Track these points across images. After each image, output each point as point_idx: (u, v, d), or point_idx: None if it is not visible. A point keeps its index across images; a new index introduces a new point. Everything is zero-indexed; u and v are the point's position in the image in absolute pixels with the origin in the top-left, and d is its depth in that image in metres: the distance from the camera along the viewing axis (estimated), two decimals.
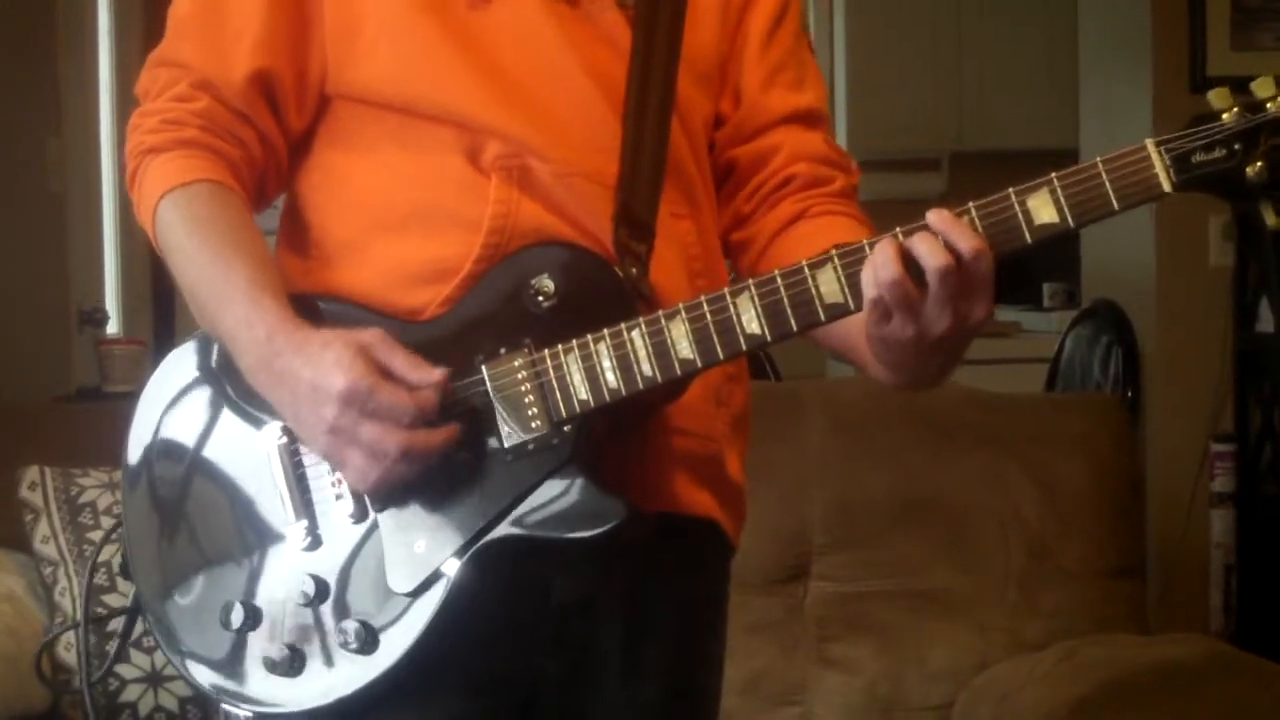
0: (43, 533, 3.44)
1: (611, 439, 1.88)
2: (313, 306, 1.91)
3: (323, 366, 1.80)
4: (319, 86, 1.98)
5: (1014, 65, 7.79)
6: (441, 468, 1.84)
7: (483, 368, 1.85)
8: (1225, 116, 1.71)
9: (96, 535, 3.41)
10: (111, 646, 3.28)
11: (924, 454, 3.69)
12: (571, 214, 1.92)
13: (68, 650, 3.37)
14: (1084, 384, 5.67)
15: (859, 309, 1.78)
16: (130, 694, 3.33)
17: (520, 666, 1.96)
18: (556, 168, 1.91)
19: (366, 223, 1.95)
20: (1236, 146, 1.70)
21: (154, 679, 3.32)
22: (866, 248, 1.76)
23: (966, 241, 1.73)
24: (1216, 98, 1.72)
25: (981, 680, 3.46)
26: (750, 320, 1.80)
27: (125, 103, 6.01)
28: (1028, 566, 3.62)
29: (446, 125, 1.92)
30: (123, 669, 3.33)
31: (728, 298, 1.81)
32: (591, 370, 1.83)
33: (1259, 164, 1.70)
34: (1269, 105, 1.70)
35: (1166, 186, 1.71)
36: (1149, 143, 1.71)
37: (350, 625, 1.86)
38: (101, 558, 3.21)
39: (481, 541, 1.84)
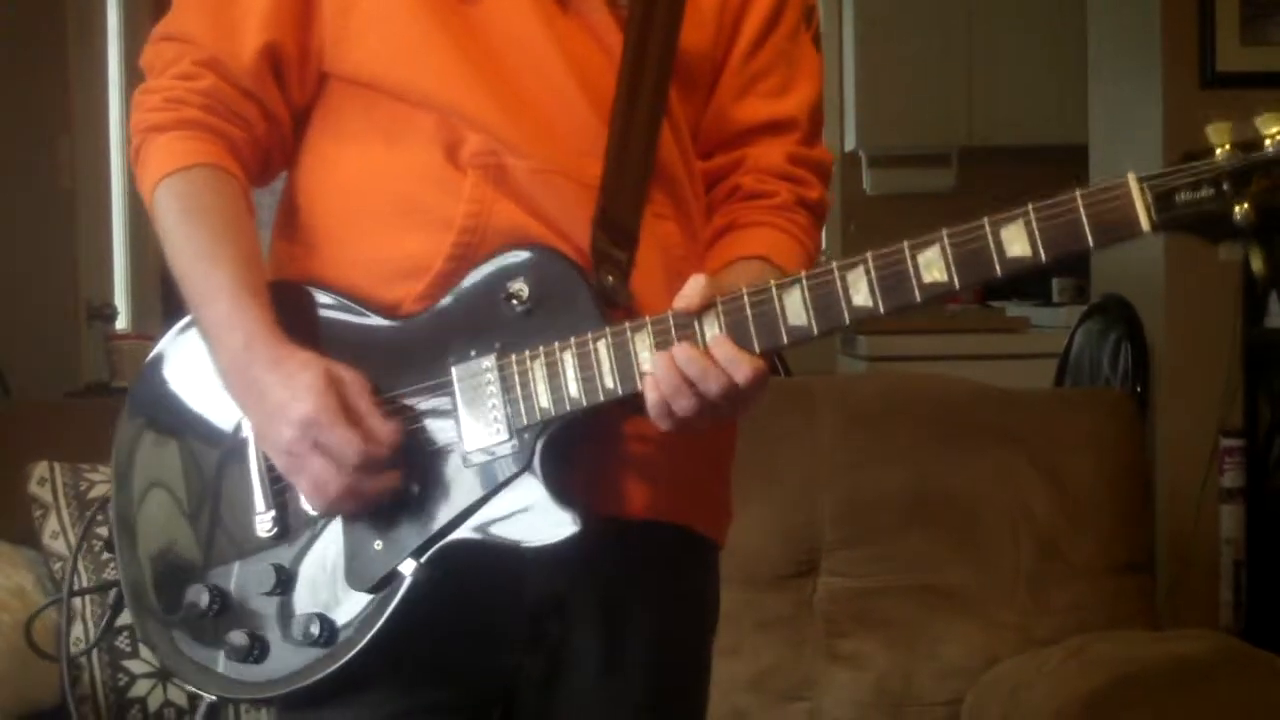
0: (52, 528, 3.44)
1: (574, 447, 1.87)
2: (295, 294, 1.94)
3: (293, 388, 1.82)
4: (319, 62, 1.99)
5: (1023, 61, 7.79)
6: (404, 469, 1.85)
7: (452, 369, 1.86)
8: (1218, 153, 1.61)
9: (106, 531, 3.41)
10: (103, 634, 3.28)
11: (934, 450, 3.69)
12: (548, 214, 1.91)
13: (75, 644, 3.37)
14: (1093, 379, 5.67)
15: (823, 333, 1.76)
16: (140, 689, 3.33)
17: (494, 665, 1.97)
18: (533, 164, 1.90)
19: (348, 213, 1.96)
20: (1225, 186, 1.61)
21: (163, 674, 3.32)
22: (835, 271, 1.74)
23: (743, 372, 1.76)
24: (1214, 133, 1.62)
25: (991, 676, 3.46)
26: (713, 337, 1.78)
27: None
28: (1037, 562, 3.62)
29: (428, 112, 1.92)
30: (132, 664, 3.33)
31: (693, 314, 1.80)
32: (555, 379, 1.82)
33: (1246, 205, 1.60)
34: (1267, 143, 1.60)
35: (1145, 226, 1.62)
36: (1131, 177, 1.63)
37: (310, 617, 1.88)
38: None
39: (437, 545, 1.85)
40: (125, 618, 3.31)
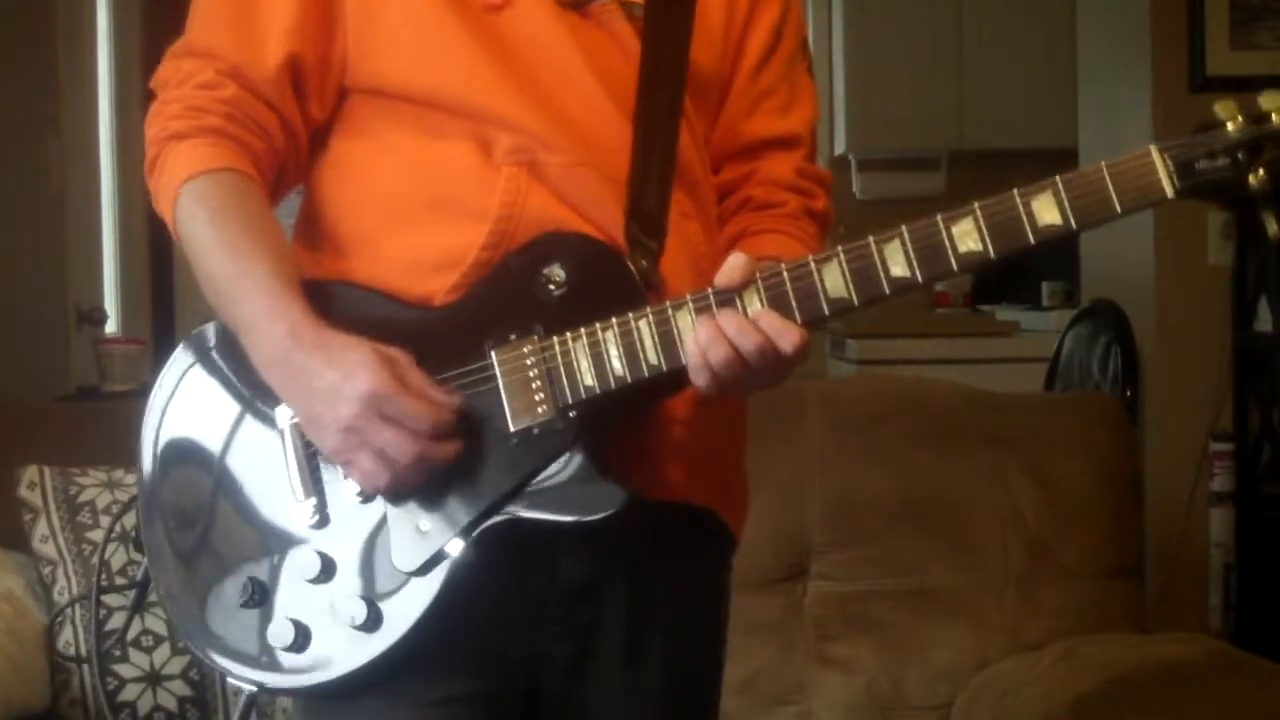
0: (41, 532, 3.44)
1: (616, 427, 1.91)
2: (324, 291, 1.95)
3: (346, 367, 1.83)
4: (340, 76, 2.01)
5: (1013, 65, 7.79)
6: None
7: (492, 353, 1.89)
8: (1229, 127, 1.74)
9: (95, 534, 3.41)
10: (111, 643, 3.29)
11: (923, 453, 3.69)
12: (580, 205, 1.95)
13: (68, 646, 3.37)
14: (1083, 383, 5.67)
15: (864, 304, 1.83)
16: (129, 693, 3.33)
17: (525, 649, 2.01)
18: (566, 159, 1.94)
19: (379, 214, 1.99)
20: (1240, 155, 1.74)
21: (153, 679, 3.32)
22: (873, 244, 1.82)
23: (788, 340, 1.82)
24: (1222, 109, 1.76)
25: (981, 679, 3.47)
26: (755, 311, 1.83)
27: (124, 102, 6.02)
28: (1027, 565, 3.62)
29: (461, 117, 1.95)
30: (122, 668, 3.33)
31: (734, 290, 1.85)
32: (599, 357, 1.86)
33: (1261, 172, 1.73)
34: (1274, 117, 1.74)
35: (1169, 192, 1.75)
36: (1153, 148, 1.76)
37: (355, 602, 1.90)
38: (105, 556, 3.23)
39: (485, 523, 1.88)
40: (115, 622, 3.33)
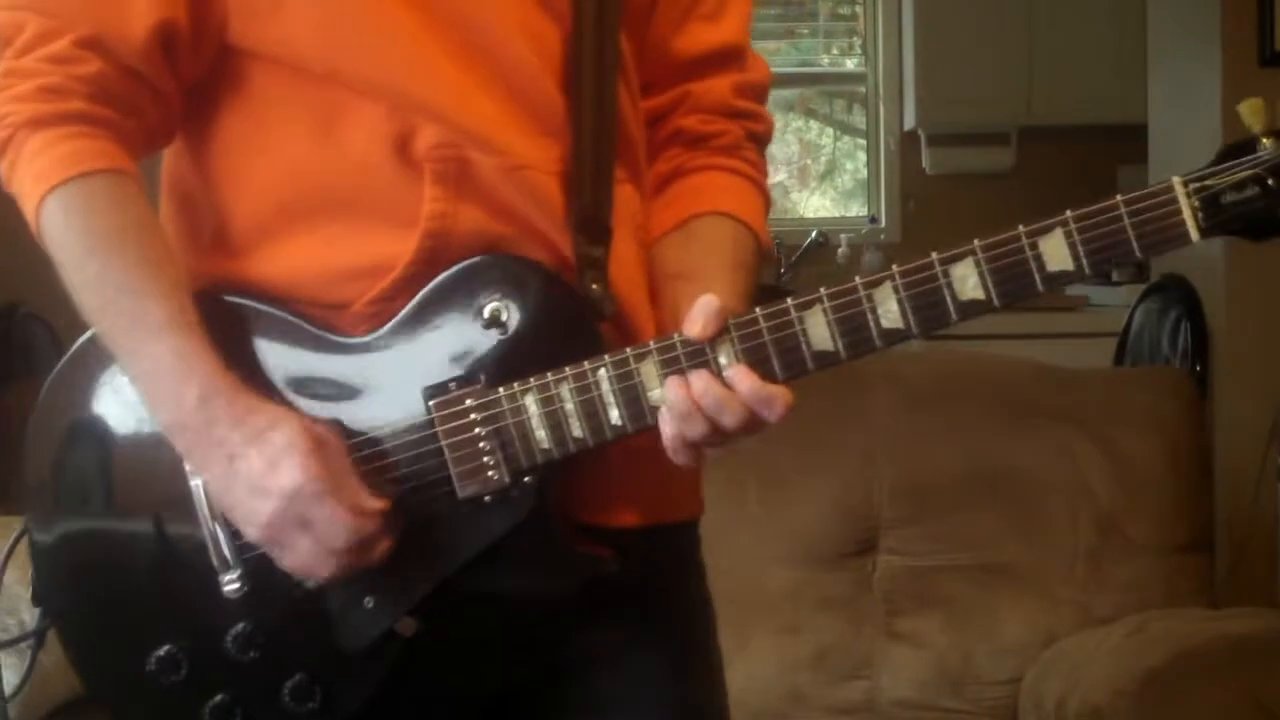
0: None
1: (577, 482, 1.69)
2: (230, 313, 1.70)
3: (270, 455, 1.59)
4: (220, 31, 1.69)
5: (1083, 39, 7.75)
6: (396, 525, 1.65)
7: (430, 404, 1.65)
8: (1265, 141, 1.51)
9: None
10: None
11: (993, 428, 3.70)
12: (521, 215, 1.69)
13: None
14: (1152, 358, 5.65)
15: (850, 357, 1.61)
16: None
17: (490, 684, 1.79)
18: (503, 161, 1.67)
19: (275, 208, 1.71)
20: (1270, 182, 1.51)
21: None
22: (860, 288, 1.59)
23: (773, 411, 1.60)
24: (1249, 112, 1.52)
25: (1050, 654, 3.47)
26: (728, 364, 1.61)
27: None
28: (1097, 540, 3.63)
29: (375, 101, 1.67)
30: None
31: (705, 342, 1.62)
32: (554, 415, 1.63)
33: None
34: None
35: (1194, 235, 1.53)
36: (1176, 183, 1.53)
37: (292, 682, 1.69)
38: None
39: (438, 598, 1.66)
40: None
